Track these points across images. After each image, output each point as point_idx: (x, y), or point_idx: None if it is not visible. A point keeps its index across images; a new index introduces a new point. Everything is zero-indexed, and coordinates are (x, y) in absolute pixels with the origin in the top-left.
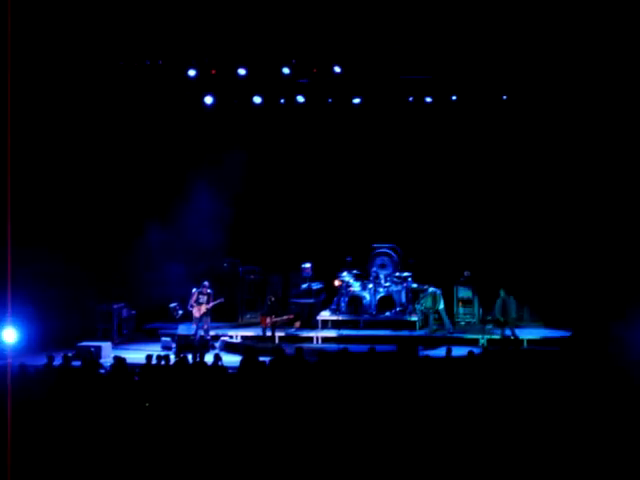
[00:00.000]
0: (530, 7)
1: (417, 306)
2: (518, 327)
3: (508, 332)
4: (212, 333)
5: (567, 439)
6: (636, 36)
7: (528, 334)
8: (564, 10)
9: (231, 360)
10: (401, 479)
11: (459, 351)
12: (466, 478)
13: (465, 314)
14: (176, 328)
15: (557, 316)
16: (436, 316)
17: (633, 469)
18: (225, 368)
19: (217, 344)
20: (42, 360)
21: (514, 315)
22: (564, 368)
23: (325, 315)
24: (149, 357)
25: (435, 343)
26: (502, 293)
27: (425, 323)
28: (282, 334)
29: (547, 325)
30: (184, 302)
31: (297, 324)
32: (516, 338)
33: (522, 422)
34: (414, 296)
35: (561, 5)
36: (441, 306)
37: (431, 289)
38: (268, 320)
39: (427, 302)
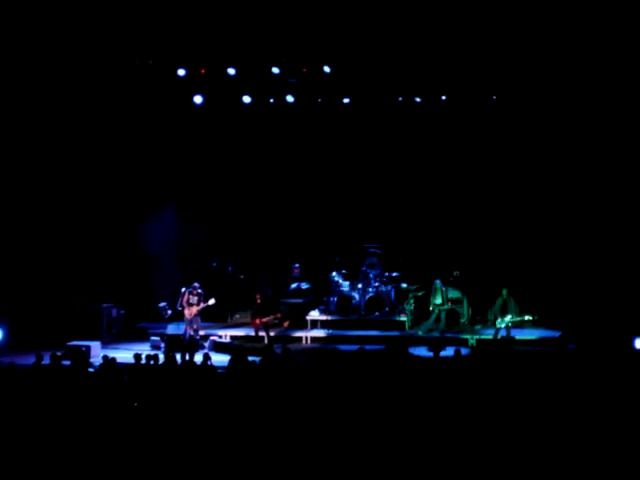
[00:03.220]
0: (520, 6)
1: (406, 306)
2: (515, 327)
3: (503, 332)
4: (201, 333)
5: (556, 438)
6: (627, 34)
7: (523, 334)
8: (554, 9)
9: (220, 360)
10: (392, 478)
11: (447, 351)
12: (455, 477)
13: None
14: (165, 328)
15: (552, 316)
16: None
17: (626, 469)
18: (214, 368)
19: (206, 344)
20: (31, 359)
21: (516, 318)
22: (554, 368)
23: (314, 315)
24: (137, 356)
25: (431, 343)
26: (504, 293)
27: (438, 320)
28: (272, 334)
29: (541, 325)
30: (173, 302)
31: (286, 324)
32: (512, 339)
33: (511, 421)
34: (403, 296)
35: (551, 4)
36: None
37: (438, 282)
38: (258, 321)
39: (437, 298)
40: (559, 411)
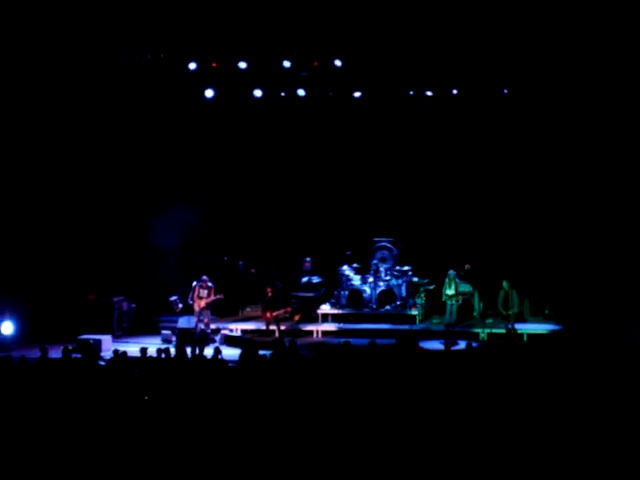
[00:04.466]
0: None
1: (417, 300)
2: (521, 321)
3: (510, 325)
4: (212, 326)
5: (563, 433)
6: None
7: (530, 328)
8: (565, 4)
9: (231, 353)
10: (401, 472)
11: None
12: (466, 471)
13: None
14: (176, 321)
15: (558, 310)
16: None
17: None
18: (225, 361)
19: (217, 337)
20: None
21: (516, 309)
22: (559, 362)
23: (325, 309)
24: (144, 350)
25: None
26: (505, 285)
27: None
28: (282, 328)
29: (548, 319)
30: (184, 295)
31: (297, 317)
32: (515, 332)
33: (521, 415)
34: (414, 290)
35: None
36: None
37: (451, 272)
38: (269, 314)
39: (450, 289)
40: (566, 405)
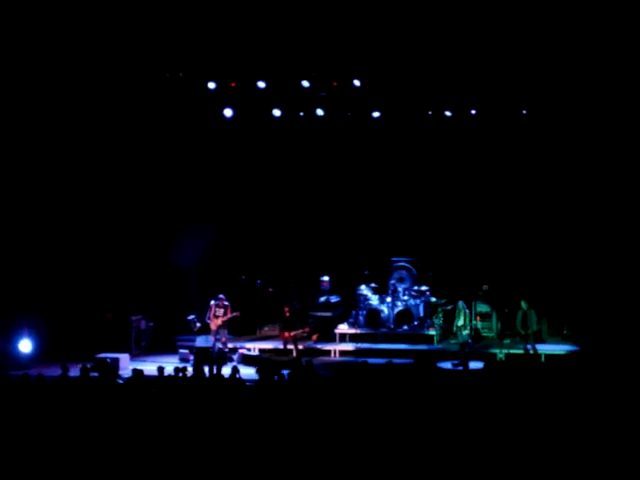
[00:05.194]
0: (550, 22)
1: (435, 320)
2: (539, 342)
3: (529, 346)
4: (230, 345)
5: (581, 455)
6: None
7: (548, 349)
8: (584, 26)
9: (249, 373)
10: None
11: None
12: None
13: (483, 328)
14: (194, 340)
15: (576, 331)
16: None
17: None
18: (243, 381)
19: (235, 356)
20: (59, 371)
21: (535, 328)
22: (577, 383)
23: (343, 328)
24: (161, 369)
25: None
26: (524, 305)
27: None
28: (300, 347)
29: (567, 340)
30: (202, 314)
31: (315, 337)
32: (535, 352)
33: (538, 436)
34: (432, 310)
35: (580, 21)
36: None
37: (460, 303)
38: (287, 334)
39: (459, 320)
40: (584, 427)
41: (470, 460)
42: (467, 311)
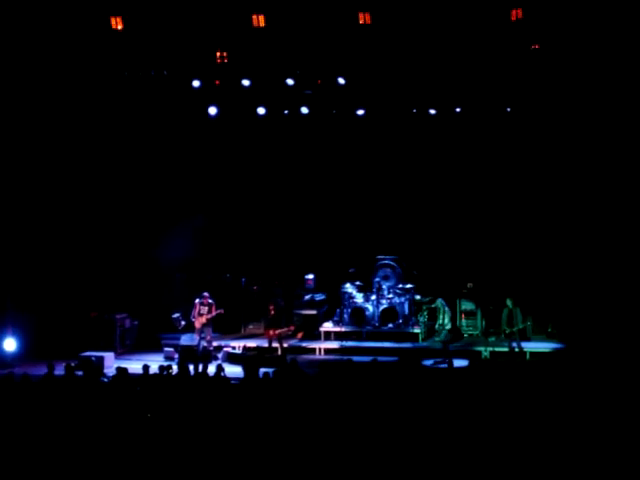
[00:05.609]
0: (533, 22)
1: (420, 318)
2: (524, 339)
3: (514, 344)
4: (215, 344)
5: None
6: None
7: (532, 346)
8: (569, 23)
9: (234, 371)
10: None
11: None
12: None
13: (468, 326)
14: (179, 338)
15: (561, 328)
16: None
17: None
18: (228, 379)
19: (220, 355)
20: (44, 370)
21: (520, 326)
22: (562, 380)
23: (328, 326)
24: (146, 367)
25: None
26: (509, 303)
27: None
28: (285, 345)
29: (551, 337)
30: (187, 312)
31: (300, 335)
32: (520, 350)
33: (523, 433)
34: (417, 308)
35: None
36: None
37: (439, 301)
38: (272, 332)
39: (439, 318)
40: (569, 424)
41: (455, 457)
42: (447, 309)
